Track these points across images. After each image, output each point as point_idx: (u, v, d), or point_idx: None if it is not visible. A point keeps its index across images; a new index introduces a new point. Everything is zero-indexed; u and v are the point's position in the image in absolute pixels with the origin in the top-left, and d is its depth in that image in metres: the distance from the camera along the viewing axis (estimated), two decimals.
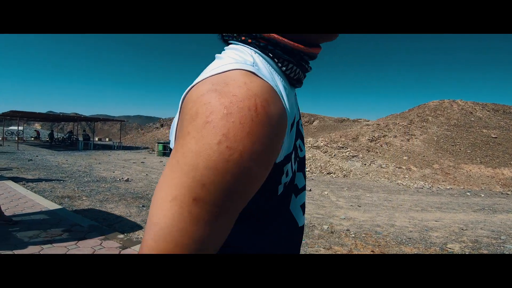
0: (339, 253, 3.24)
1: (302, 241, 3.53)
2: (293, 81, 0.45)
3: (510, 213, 5.30)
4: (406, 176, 9.39)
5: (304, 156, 0.53)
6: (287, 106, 0.37)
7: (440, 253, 3.30)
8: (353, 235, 3.84)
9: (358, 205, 5.59)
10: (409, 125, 14.43)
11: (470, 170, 10.05)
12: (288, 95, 0.40)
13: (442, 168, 10.15)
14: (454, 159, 10.94)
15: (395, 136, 13.30)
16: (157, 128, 27.63)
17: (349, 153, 11.31)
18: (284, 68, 0.42)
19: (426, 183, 8.63)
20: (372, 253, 3.24)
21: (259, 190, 0.35)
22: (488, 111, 15.83)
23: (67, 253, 2.55)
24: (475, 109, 16.01)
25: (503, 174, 9.95)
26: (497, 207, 5.84)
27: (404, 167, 10.12)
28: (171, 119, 27.91)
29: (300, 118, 0.52)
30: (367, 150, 11.80)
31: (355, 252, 3.25)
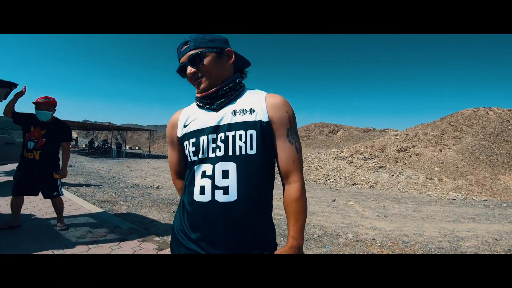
0: None
1: (327, 248, 3.57)
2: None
3: None
4: (438, 188, 8.99)
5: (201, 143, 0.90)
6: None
7: None
8: (379, 244, 3.82)
9: (384, 216, 5.49)
10: (441, 135, 13.83)
11: (508, 181, 9.40)
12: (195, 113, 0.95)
13: (478, 179, 9.59)
14: (490, 169, 10.30)
15: (426, 147, 12.80)
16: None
17: (375, 164, 11.05)
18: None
19: (460, 195, 8.20)
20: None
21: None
22: None
23: (111, 253, 2.80)
24: None
25: None
26: None
27: (435, 178, 9.70)
28: None
29: (212, 128, 0.89)
30: (394, 161, 11.46)
31: None
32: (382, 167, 10.77)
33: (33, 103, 2.91)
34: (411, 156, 11.93)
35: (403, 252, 3.49)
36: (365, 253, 3.49)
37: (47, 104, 2.93)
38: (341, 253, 3.39)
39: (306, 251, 3.54)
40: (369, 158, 11.67)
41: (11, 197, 3.07)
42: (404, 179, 9.78)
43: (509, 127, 13.93)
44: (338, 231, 4.42)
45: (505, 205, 7.10)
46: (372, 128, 27.18)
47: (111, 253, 2.79)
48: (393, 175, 10.09)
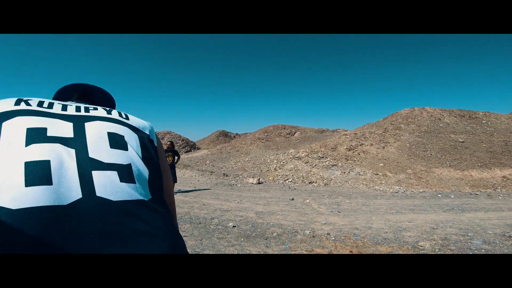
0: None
1: (286, 246, 3.66)
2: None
3: (477, 212, 5.72)
4: (383, 182, 9.85)
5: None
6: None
7: (412, 250, 3.54)
8: (333, 238, 4.04)
9: (338, 211, 5.84)
10: (383, 133, 15.18)
11: (441, 173, 10.70)
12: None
13: (415, 172, 10.74)
14: (425, 163, 11.60)
15: (371, 144, 13.93)
16: None
17: (329, 162, 11.70)
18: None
19: (401, 188, 9.10)
20: (350, 253, 3.44)
21: None
22: (455, 117, 16.96)
23: None
24: (443, 115, 17.11)
25: (471, 176, 10.66)
26: (465, 206, 6.29)
27: (380, 174, 10.62)
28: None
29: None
30: (345, 159, 12.27)
31: (335, 254, 3.44)
32: (334, 165, 11.46)
33: None
34: (359, 154, 12.89)
35: (355, 245, 3.75)
36: (321, 247, 3.67)
37: None
38: (301, 250, 3.52)
39: (266, 249, 3.60)
40: (323, 157, 12.32)
41: None
42: (354, 175, 10.53)
43: (440, 125, 15.85)
44: (296, 228, 4.58)
45: (439, 195, 8.05)
46: (326, 129, 28.80)
47: None
48: (344, 172, 10.79)
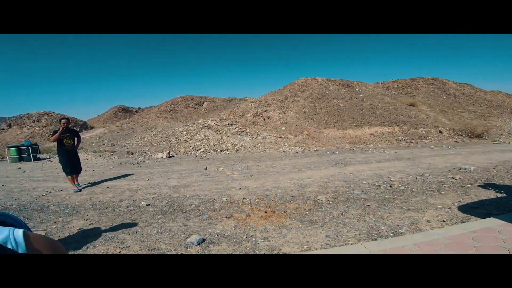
0: (239, 219, 3.68)
1: (205, 215, 3.76)
2: None
3: (355, 165, 7.10)
4: (286, 144, 11.00)
5: None
6: None
7: (313, 204, 4.19)
8: (249, 202, 4.38)
9: (250, 175, 6.27)
10: (284, 100, 16.58)
11: (328, 133, 12.70)
12: None
13: (310, 133, 12.40)
14: (317, 125, 13.49)
15: (274, 110, 15.08)
16: (4, 129, 21.11)
17: (238, 129, 12.13)
18: None
19: (300, 148, 10.41)
20: (265, 213, 3.82)
21: None
22: (337, 85, 19.94)
23: None
24: (328, 84, 19.85)
25: (349, 134, 13.05)
26: (346, 161, 7.75)
27: (283, 136, 11.78)
28: (21, 117, 21.86)
29: None
30: (253, 124, 12.95)
31: (252, 216, 3.76)
32: (243, 131, 12.00)
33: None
34: (264, 119, 13.84)
35: (268, 206, 4.17)
36: (239, 211, 3.93)
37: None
38: (221, 217, 3.67)
39: (187, 222, 3.62)
40: (232, 125, 12.66)
41: None
42: (262, 140, 11.35)
43: (327, 92, 18.44)
44: (213, 197, 4.71)
45: (328, 152, 9.60)
46: (234, 98, 29.26)
47: None
48: (253, 138, 11.48)
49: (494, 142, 12.18)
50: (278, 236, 3.11)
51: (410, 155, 8.35)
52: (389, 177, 5.49)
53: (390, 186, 4.82)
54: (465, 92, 22.90)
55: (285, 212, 3.84)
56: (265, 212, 3.90)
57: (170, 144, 11.53)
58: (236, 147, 10.57)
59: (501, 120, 16.95)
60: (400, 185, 4.86)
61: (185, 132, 12.40)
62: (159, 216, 3.90)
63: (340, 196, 4.48)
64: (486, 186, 4.65)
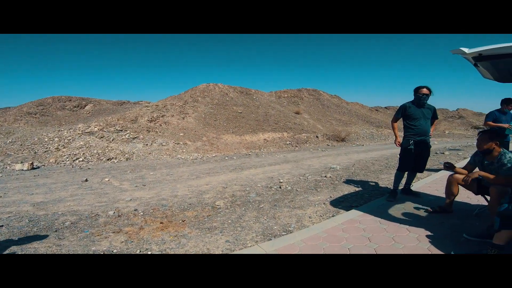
0: (131, 232, 3.29)
1: (86, 232, 3.23)
2: None
3: (251, 169, 7.54)
4: (184, 150, 10.67)
5: None
6: None
7: (212, 210, 4.20)
8: (142, 213, 3.99)
9: (143, 184, 5.75)
10: (184, 105, 16.13)
11: (227, 139, 13.11)
12: None
13: (209, 139, 12.48)
14: (216, 131, 13.72)
15: (173, 116, 14.44)
16: None
17: (129, 136, 10.96)
18: None
19: (199, 154, 10.31)
20: (161, 224, 3.57)
21: None
22: (237, 92, 20.92)
23: None
24: (229, 91, 20.59)
25: (246, 139, 13.84)
26: (243, 165, 8.17)
27: (181, 143, 11.39)
28: None
29: None
30: (147, 130, 11.98)
31: (146, 228, 3.44)
32: (136, 137, 10.92)
33: None
34: (161, 125, 13.03)
35: (164, 216, 3.91)
36: (130, 225, 3.53)
37: None
38: (107, 233, 3.18)
39: (59, 241, 3.01)
40: (121, 130, 11.32)
41: None
42: (157, 146, 10.61)
43: (227, 99, 19.05)
44: (97, 211, 4.08)
45: (226, 158, 9.86)
46: (127, 101, 26.29)
47: None
48: (147, 144, 10.59)
49: (353, 145, 15.42)
50: (176, 246, 2.95)
51: (295, 158, 9.57)
52: (279, 179, 6.11)
53: (280, 187, 5.37)
54: (334, 102, 28.16)
55: (183, 221, 3.70)
56: (161, 223, 3.64)
57: (35, 153, 9.29)
58: (126, 155, 9.50)
59: (358, 127, 21.66)
60: (287, 186, 5.48)
61: (57, 139, 10.25)
62: (16, 239, 3.08)
63: (237, 200, 4.66)
64: (348, 182, 5.81)
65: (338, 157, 9.70)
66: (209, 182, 5.95)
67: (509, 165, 2.81)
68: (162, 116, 14.00)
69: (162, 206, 4.34)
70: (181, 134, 12.45)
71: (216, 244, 3.01)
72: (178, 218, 3.83)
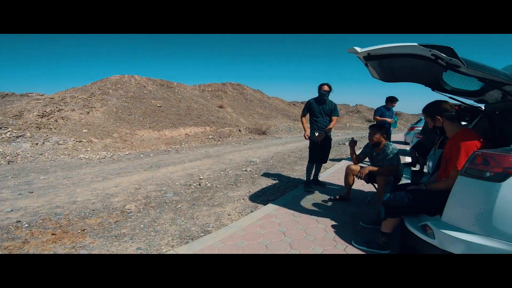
0: (11, 248, 2.64)
1: None
2: None
3: (169, 166, 7.07)
4: (88, 149, 9.28)
5: None
6: None
7: (120, 215, 3.73)
8: (27, 225, 3.26)
9: (29, 191, 4.72)
10: (89, 98, 14.03)
11: (143, 135, 12.04)
12: None
13: (121, 136, 11.21)
14: (130, 126, 12.44)
15: (73, 110, 12.39)
16: None
17: (11, 134, 8.88)
18: None
19: (108, 153, 9.13)
20: (53, 236, 2.97)
21: None
22: (156, 85, 19.40)
23: None
24: (148, 83, 18.92)
25: (165, 135, 12.99)
26: (160, 163, 7.61)
27: (85, 140, 9.87)
28: None
29: None
30: (37, 127, 9.94)
31: (33, 241, 2.82)
32: (21, 136, 8.90)
33: None
34: (57, 121, 11.01)
35: (58, 226, 3.28)
36: (10, 239, 2.83)
37: None
38: None
39: None
40: (0, 128, 9.06)
41: None
42: (52, 146, 8.91)
43: (145, 92, 17.41)
44: None
45: (142, 155, 9.02)
46: (11, 93, 21.19)
47: None
48: (37, 144, 8.77)
49: (272, 138, 16.33)
50: None
51: (217, 153, 9.49)
52: (199, 175, 5.92)
53: (199, 184, 5.19)
54: (257, 97, 29.24)
55: (83, 230, 3.17)
56: (53, 234, 3.04)
57: None
58: (9, 157, 7.67)
59: (277, 120, 23.05)
60: (207, 182, 5.35)
61: None
62: None
63: (152, 201, 4.28)
64: (266, 175, 6.05)
65: (258, 150, 10.07)
66: (119, 183, 5.31)
67: (391, 155, 3.36)
68: (58, 111, 11.85)
69: (56, 215, 3.63)
70: (84, 130, 10.80)
71: (125, 252, 2.68)
72: (77, 227, 3.27)
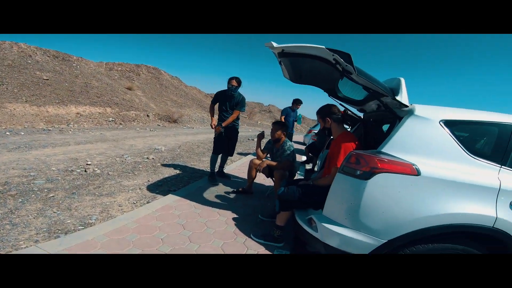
0: None
1: None
2: None
3: (45, 148, 5.76)
4: None
5: None
6: None
7: None
8: None
9: None
10: None
11: (15, 109, 9.58)
12: None
13: None
14: None
15: None
16: None
17: None
18: None
19: None
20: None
21: None
22: (48, 56, 15.80)
23: None
24: (36, 53, 15.24)
25: (47, 111, 10.69)
26: (34, 143, 6.15)
27: None
28: None
29: None
30: None
31: None
32: None
33: None
34: None
35: None
36: None
37: None
38: None
39: None
40: None
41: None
42: None
43: (29, 61, 13.87)
44: None
45: (8, 133, 7.12)
46: None
47: None
48: None
49: (184, 127, 15.65)
50: None
51: (116, 137, 8.38)
52: (86, 161, 5.04)
53: (85, 171, 4.42)
54: (174, 84, 27.45)
55: None
56: None
57: None
58: None
59: (192, 110, 22.24)
60: (96, 169, 4.60)
61: None
62: None
63: (12, 189, 3.37)
64: (171, 164, 5.67)
65: (166, 138, 9.42)
66: None
67: (288, 151, 3.59)
68: None
69: None
70: None
71: None
72: None
